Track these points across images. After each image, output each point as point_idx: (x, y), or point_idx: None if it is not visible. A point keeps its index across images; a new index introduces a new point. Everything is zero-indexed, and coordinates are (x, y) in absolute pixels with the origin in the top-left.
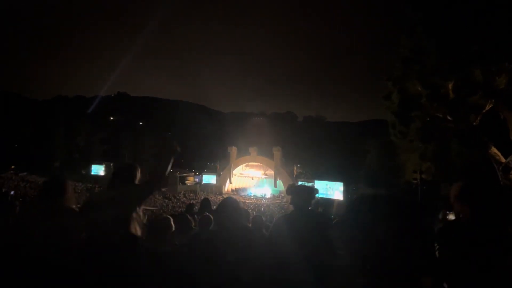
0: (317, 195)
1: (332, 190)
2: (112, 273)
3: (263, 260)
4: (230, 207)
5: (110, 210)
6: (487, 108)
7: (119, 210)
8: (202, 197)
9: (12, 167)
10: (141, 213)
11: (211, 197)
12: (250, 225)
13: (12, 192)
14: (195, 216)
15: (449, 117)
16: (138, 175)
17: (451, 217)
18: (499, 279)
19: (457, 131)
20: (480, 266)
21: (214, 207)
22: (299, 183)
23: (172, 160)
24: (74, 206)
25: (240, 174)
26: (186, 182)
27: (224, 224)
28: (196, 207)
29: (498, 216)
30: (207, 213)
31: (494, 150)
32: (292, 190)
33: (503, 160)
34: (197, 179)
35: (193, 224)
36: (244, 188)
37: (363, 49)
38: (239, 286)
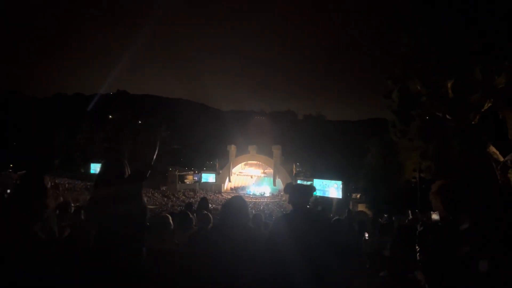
0: (315, 193)
1: (331, 189)
2: (118, 269)
3: (262, 258)
4: (235, 206)
5: (118, 206)
6: (487, 107)
7: (116, 206)
8: (202, 196)
9: (11, 165)
10: (144, 208)
11: (210, 195)
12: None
13: (8, 191)
14: (194, 214)
15: (448, 116)
16: (128, 170)
17: (435, 216)
18: (475, 275)
19: (457, 130)
20: (457, 265)
21: (213, 206)
22: (298, 181)
23: (158, 143)
24: (52, 205)
25: (240, 172)
26: (185, 180)
27: (225, 222)
28: (194, 206)
29: (476, 214)
30: (206, 212)
31: (492, 149)
32: (290, 189)
33: (501, 158)
34: (196, 178)
35: (194, 223)
36: (243, 186)
37: (363, 48)
38: (238, 283)
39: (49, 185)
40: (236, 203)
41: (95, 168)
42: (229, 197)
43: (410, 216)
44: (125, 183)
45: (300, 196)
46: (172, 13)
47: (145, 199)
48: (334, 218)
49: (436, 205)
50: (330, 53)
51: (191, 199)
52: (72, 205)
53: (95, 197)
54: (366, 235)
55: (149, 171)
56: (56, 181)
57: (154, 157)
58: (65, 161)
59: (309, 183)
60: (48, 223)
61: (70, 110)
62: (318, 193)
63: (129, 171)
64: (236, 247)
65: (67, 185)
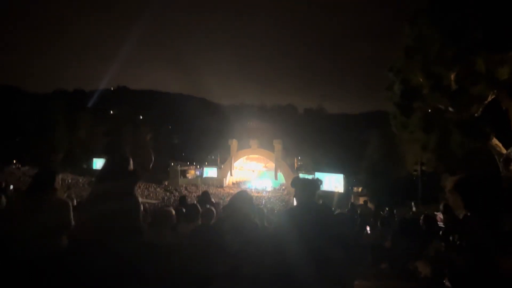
0: (321, 187)
1: (332, 182)
2: (118, 263)
3: (265, 252)
4: (242, 199)
5: (116, 201)
6: (489, 99)
7: (115, 201)
8: (203, 190)
9: (14, 161)
10: (138, 203)
11: (212, 190)
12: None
13: (11, 186)
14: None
15: (450, 108)
16: (131, 166)
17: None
18: (491, 269)
19: (459, 122)
20: (476, 257)
21: (216, 200)
22: (300, 175)
23: (150, 150)
24: (63, 198)
25: (241, 167)
26: (187, 175)
27: (233, 215)
28: (189, 199)
29: (493, 208)
30: (210, 206)
31: (495, 141)
32: (297, 183)
33: (504, 151)
34: (198, 172)
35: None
36: (245, 181)
37: (364, 39)
38: (239, 276)
39: (59, 184)
40: (243, 197)
41: (98, 163)
42: (231, 191)
43: (414, 209)
44: (121, 180)
45: (306, 190)
46: (172, 7)
47: (138, 195)
48: (337, 212)
49: (456, 203)
50: (330, 46)
51: (194, 194)
52: (75, 201)
53: (95, 192)
54: (368, 228)
55: (145, 172)
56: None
57: (151, 163)
58: (66, 157)
59: (311, 176)
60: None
61: (70, 106)
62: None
63: (132, 166)
64: (243, 239)
65: (70, 180)
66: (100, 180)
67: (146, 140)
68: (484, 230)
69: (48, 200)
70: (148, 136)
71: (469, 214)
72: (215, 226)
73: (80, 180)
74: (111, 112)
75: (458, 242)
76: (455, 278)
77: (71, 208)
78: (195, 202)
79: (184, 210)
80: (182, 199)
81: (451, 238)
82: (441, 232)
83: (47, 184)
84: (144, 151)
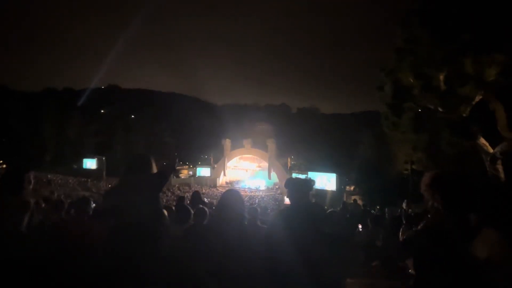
0: (314, 187)
1: (325, 181)
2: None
3: (258, 254)
4: (231, 199)
5: (135, 196)
6: (477, 99)
7: (144, 196)
8: (195, 190)
9: (1, 161)
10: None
11: (206, 189)
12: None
13: None
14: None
15: (440, 108)
16: (153, 165)
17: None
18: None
19: (448, 122)
20: (451, 257)
21: (209, 200)
22: (293, 175)
23: (175, 158)
24: (31, 200)
25: (234, 166)
26: (180, 175)
27: (221, 216)
28: (188, 200)
29: (470, 204)
30: (202, 206)
31: (482, 140)
32: (290, 184)
33: (491, 150)
34: (191, 172)
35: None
36: (238, 180)
37: (356, 40)
38: (228, 276)
39: (31, 182)
40: (232, 197)
41: (88, 163)
42: (224, 191)
43: (405, 207)
44: (148, 181)
45: (299, 190)
46: (164, 4)
47: (162, 204)
48: (329, 210)
49: (433, 197)
50: (323, 46)
51: (186, 194)
52: (64, 201)
53: (115, 186)
54: (360, 226)
55: (172, 172)
56: (49, 176)
57: (176, 166)
58: (56, 157)
59: (304, 176)
60: (34, 218)
61: (60, 105)
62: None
63: (155, 166)
64: (230, 242)
65: (60, 181)
66: (126, 174)
67: (171, 150)
68: (453, 222)
69: (11, 201)
70: (172, 145)
71: (442, 208)
72: (207, 226)
73: (70, 180)
74: (102, 111)
75: (422, 231)
76: (418, 267)
77: (29, 210)
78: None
79: (176, 210)
80: (180, 199)
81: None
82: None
83: (14, 184)
84: (171, 155)
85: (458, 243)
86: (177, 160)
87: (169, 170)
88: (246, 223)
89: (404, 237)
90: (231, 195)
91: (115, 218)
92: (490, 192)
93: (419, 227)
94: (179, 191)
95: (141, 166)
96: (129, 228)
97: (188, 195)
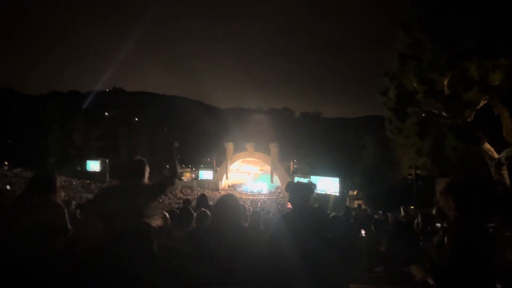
0: (315, 190)
1: (328, 185)
2: (119, 269)
3: (260, 259)
4: (227, 204)
5: (125, 202)
6: (482, 104)
7: (133, 202)
8: (199, 193)
9: (6, 163)
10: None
11: (208, 192)
12: (248, 221)
13: (8, 187)
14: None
15: (444, 113)
16: (147, 171)
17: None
18: (486, 273)
19: (452, 127)
20: (468, 262)
21: (211, 203)
22: (296, 178)
23: (177, 157)
24: (60, 202)
25: (237, 169)
26: (183, 177)
27: (219, 221)
28: (193, 202)
29: (484, 210)
30: (204, 209)
31: (487, 145)
32: (291, 187)
33: (496, 155)
34: (193, 175)
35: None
36: (240, 184)
37: (360, 44)
38: (231, 282)
39: (59, 185)
40: (227, 203)
41: (92, 166)
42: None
43: (402, 213)
44: (145, 185)
45: (300, 194)
46: (169, 8)
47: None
48: (332, 215)
49: (448, 205)
50: (327, 50)
51: (189, 197)
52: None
53: (105, 191)
54: (363, 231)
55: (173, 184)
56: None
57: (178, 172)
58: (60, 159)
59: (306, 180)
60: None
61: (65, 108)
62: (316, 190)
63: (148, 169)
64: (229, 248)
65: (63, 183)
66: (119, 182)
67: (173, 149)
68: (473, 231)
69: (44, 203)
70: (175, 143)
71: (459, 215)
72: (208, 230)
73: (74, 182)
74: (106, 114)
75: (444, 242)
76: (437, 277)
77: (66, 212)
78: (189, 206)
79: (178, 212)
80: (186, 202)
81: (438, 238)
82: (429, 232)
83: (45, 186)
84: (170, 164)
85: (485, 255)
86: (177, 170)
87: (169, 182)
88: (244, 229)
89: (432, 258)
90: (225, 201)
91: (105, 221)
92: (502, 197)
93: (445, 242)
94: (181, 194)
95: (135, 172)
96: (119, 233)
97: (191, 198)
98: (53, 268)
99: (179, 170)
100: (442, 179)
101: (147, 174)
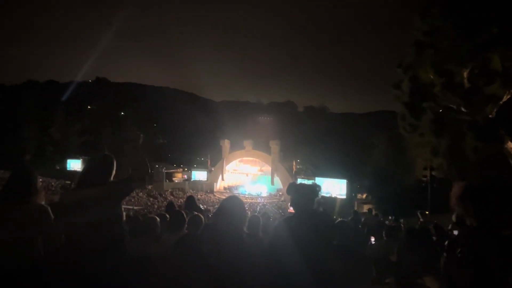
0: (320, 193)
1: (334, 188)
2: (94, 278)
3: (260, 267)
4: (229, 208)
5: (86, 212)
6: (505, 99)
7: (97, 211)
8: (189, 195)
9: None
10: (122, 213)
11: (201, 195)
12: (246, 226)
13: None
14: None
15: (463, 109)
16: (114, 169)
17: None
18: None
19: (472, 124)
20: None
21: (205, 206)
22: (299, 180)
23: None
24: (42, 204)
25: (234, 170)
26: (174, 179)
27: (216, 227)
28: (176, 205)
29: (505, 218)
30: (197, 213)
31: (510, 145)
32: (293, 189)
33: None
34: (185, 176)
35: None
36: (238, 185)
37: (371, 32)
38: None
39: (40, 186)
40: (231, 206)
41: (73, 165)
42: (223, 197)
43: (421, 219)
44: (109, 187)
45: (304, 197)
46: None
47: (122, 207)
48: (339, 220)
49: (466, 212)
50: (334, 38)
51: (180, 200)
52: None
53: (74, 196)
54: (372, 239)
55: (143, 181)
56: None
57: (148, 173)
58: (37, 157)
59: (310, 181)
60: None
61: (42, 100)
62: (321, 192)
63: (114, 170)
64: (226, 254)
65: (40, 183)
66: (81, 184)
67: (139, 144)
68: (491, 241)
69: (25, 206)
70: (140, 139)
71: (477, 223)
72: (202, 236)
73: (52, 183)
74: (89, 107)
75: (459, 255)
76: None
77: (51, 214)
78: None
79: (168, 217)
80: (170, 205)
81: (455, 251)
82: (446, 244)
83: (25, 187)
84: (139, 160)
85: (505, 268)
86: (148, 175)
87: (135, 182)
88: (243, 235)
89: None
90: (228, 203)
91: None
92: None
93: (461, 252)
94: (172, 197)
95: (100, 169)
96: (83, 236)
97: (181, 201)
98: (33, 278)
99: (149, 168)
100: (459, 182)
101: (113, 172)
